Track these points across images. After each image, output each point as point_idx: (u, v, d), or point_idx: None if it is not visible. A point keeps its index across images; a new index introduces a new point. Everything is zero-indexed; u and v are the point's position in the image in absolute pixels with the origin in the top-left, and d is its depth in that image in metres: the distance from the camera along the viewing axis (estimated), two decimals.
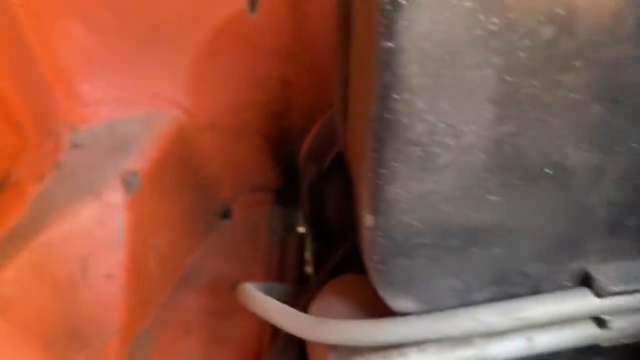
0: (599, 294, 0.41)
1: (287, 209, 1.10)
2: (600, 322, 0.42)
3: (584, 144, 0.36)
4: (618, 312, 0.41)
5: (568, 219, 0.40)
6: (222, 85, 0.90)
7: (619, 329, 0.42)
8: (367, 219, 0.40)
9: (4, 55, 0.74)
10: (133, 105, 0.90)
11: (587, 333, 0.42)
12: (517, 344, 0.42)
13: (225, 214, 1.06)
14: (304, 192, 0.98)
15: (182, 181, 0.94)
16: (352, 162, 0.49)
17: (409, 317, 0.44)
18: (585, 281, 0.42)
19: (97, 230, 0.82)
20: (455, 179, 0.38)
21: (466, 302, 0.44)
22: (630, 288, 0.40)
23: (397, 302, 0.44)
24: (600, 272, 0.41)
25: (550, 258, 0.42)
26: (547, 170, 0.37)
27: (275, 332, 0.82)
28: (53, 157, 0.87)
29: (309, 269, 0.99)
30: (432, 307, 0.44)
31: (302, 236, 1.04)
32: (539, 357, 0.47)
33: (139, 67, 0.86)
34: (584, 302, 0.41)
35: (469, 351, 0.42)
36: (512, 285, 0.43)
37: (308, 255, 1.02)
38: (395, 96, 0.34)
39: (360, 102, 0.42)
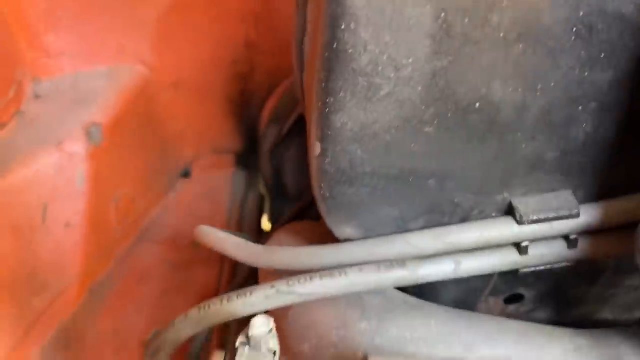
0: (519, 222, 0.46)
1: (248, 172, 1.13)
2: (520, 248, 0.47)
3: (509, 81, 0.41)
4: (536, 239, 0.46)
5: (495, 152, 0.44)
6: (187, 43, 0.92)
7: (536, 255, 0.47)
8: (316, 147, 0.44)
9: None
10: (97, 59, 0.91)
11: (509, 259, 0.47)
12: (446, 267, 0.47)
13: (186, 174, 1.08)
14: (263, 155, 1.02)
15: (144, 137, 0.96)
16: (307, 104, 0.52)
17: (350, 243, 0.48)
18: (509, 211, 0.47)
19: (58, 178, 0.84)
20: (395, 110, 0.42)
21: (402, 230, 0.48)
22: (546, 216, 0.45)
23: (341, 230, 0.48)
24: (522, 203, 0.46)
25: (478, 190, 0.46)
26: (476, 104, 0.41)
27: (233, 278, 0.86)
28: (15, 106, 0.87)
29: (266, 227, 1.03)
30: (372, 235, 0.48)
31: (261, 197, 1.07)
32: (468, 286, 0.52)
33: (105, 20, 0.87)
34: (506, 229, 0.46)
35: (402, 272, 0.46)
36: (444, 215, 0.47)
37: (266, 216, 1.06)
38: (342, 26, 0.38)
39: (315, 42, 0.45)
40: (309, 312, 0.50)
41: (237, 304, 0.45)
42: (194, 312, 0.47)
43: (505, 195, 0.46)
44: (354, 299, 0.49)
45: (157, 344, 0.49)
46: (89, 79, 0.93)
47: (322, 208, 0.47)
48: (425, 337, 0.45)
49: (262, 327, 0.40)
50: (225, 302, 0.46)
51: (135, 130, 0.94)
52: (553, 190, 0.47)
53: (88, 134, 0.86)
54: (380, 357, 0.40)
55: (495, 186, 0.46)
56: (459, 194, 0.46)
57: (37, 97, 0.91)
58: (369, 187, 0.46)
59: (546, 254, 0.47)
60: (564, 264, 0.48)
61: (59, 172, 0.84)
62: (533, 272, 0.49)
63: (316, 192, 0.47)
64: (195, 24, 0.92)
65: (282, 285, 0.46)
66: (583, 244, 0.47)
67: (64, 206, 0.84)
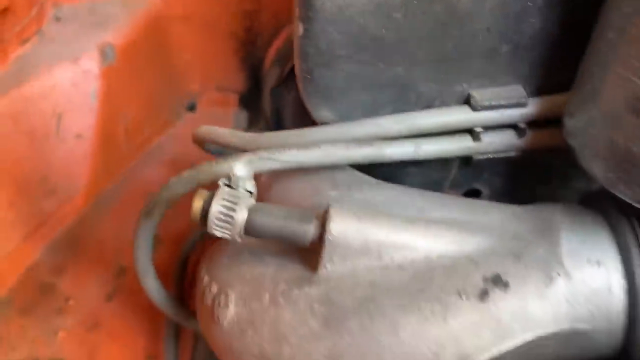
0: (473, 109, 0.52)
1: (251, 113, 1.19)
2: (474, 135, 0.53)
3: None
4: (488, 125, 0.53)
5: (454, 42, 0.50)
6: None
7: (489, 142, 0.54)
8: (299, 28, 0.50)
9: None
10: None
11: (463, 144, 0.53)
12: (407, 149, 0.53)
13: (192, 107, 1.15)
14: (265, 95, 1.08)
15: (154, 63, 1.02)
16: None
17: (326, 125, 0.55)
18: (467, 101, 0.53)
19: (73, 91, 0.91)
20: None
21: (373, 116, 0.55)
22: (498, 103, 0.52)
23: (319, 113, 0.55)
24: (478, 93, 0.52)
25: (440, 80, 0.52)
26: None
27: None
28: (36, 25, 0.94)
29: None
30: (346, 119, 0.55)
31: None
32: (430, 178, 0.59)
33: None
34: (462, 115, 0.52)
35: (369, 149, 0.53)
36: (409, 104, 0.54)
37: None
38: None
39: None
40: (288, 184, 0.57)
41: (224, 166, 0.52)
42: (186, 172, 0.54)
43: (465, 86, 0.53)
44: (326, 175, 0.56)
45: (152, 202, 0.56)
46: (106, 6, 1.00)
47: (303, 90, 0.54)
48: (384, 201, 0.51)
49: (242, 170, 0.47)
50: (214, 164, 0.52)
51: (146, 55, 1.01)
52: (507, 84, 0.53)
53: (102, 53, 0.93)
54: (338, 205, 0.46)
55: (455, 77, 0.52)
56: (422, 83, 0.53)
57: (57, 19, 0.98)
58: (344, 72, 0.52)
59: (497, 141, 0.53)
60: (514, 153, 0.55)
61: (74, 85, 0.91)
62: (488, 165, 0.56)
63: (297, 74, 0.53)
64: None
65: (264, 153, 0.53)
66: (530, 134, 0.53)
67: (76, 118, 0.91)
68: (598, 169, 0.45)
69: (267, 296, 0.47)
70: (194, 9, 1.02)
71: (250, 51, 1.13)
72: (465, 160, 0.56)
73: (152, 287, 0.61)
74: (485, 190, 0.61)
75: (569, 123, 0.49)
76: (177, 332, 0.78)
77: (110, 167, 0.98)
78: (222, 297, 0.49)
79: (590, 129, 0.46)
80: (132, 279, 0.78)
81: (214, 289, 0.50)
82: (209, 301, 0.50)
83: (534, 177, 0.59)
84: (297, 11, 0.50)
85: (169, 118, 1.10)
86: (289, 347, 0.45)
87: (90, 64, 0.92)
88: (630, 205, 0.44)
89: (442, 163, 0.57)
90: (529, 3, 0.48)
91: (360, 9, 0.49)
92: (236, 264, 0.51)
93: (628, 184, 0.43)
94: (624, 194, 0.44)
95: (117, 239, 0.91)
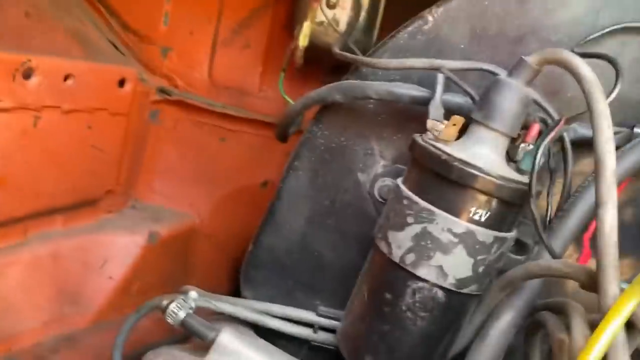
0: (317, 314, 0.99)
1: None
2: (314, 329, 0.99)
3: None
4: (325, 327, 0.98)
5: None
6: None
7: (323, 337, 0.98)
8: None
9: None
10: None
11: (306, 333, 0.98)
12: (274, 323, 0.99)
13: None
14: None
15: (178, 258, 1.55)
16: None
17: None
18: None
19: (121, 251, 1.43)
20: None
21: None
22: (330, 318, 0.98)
23: (244, 292, 1.03)
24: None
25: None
26: None
27: None
28: (120, 207, 1.52)
29: None
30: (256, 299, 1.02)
31: None
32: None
33: None
34: (307, 316, 0.99)
35: (255, 316, 0.99)
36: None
37: None
38: None
39: None
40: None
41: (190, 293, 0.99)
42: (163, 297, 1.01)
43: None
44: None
45: (143, 305, 1.02)
46: (165, 211, 1.58)
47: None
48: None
49: (195, 296, 0.94)
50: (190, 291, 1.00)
51: (175, 250, 1.54)
52: None
53: (150, 236, 1.47)
54: (232, 329, 0.90)
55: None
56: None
57: (133, 207, 1.56)
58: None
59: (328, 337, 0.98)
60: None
61: (125, 248, 1.44)
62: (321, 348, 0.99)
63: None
64: None
65: (206, 298, 0.99)
66: None
67: (114, 267, 1.42)
68: None
69: None
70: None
71: None
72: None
73: None
74: None
75: None
76: None
77: None
78: (152, 357, 0.91)
79: None
80: None
81: (151, 356, 0.93)
82: None
83: None
84: None
85: None
86: None
87: (140, 239, 1.45)
88: None
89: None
90: None
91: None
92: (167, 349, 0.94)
93: None
94: None
95: None
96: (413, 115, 0.86)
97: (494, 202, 0.69)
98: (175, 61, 1.52)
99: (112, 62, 1.38)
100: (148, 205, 1.58)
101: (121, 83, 1.35)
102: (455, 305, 0.73)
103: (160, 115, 1.54)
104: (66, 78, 1.20)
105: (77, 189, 1.32)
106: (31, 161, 1.18)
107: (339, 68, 1.15)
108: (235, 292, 1.06)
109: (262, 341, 0.98)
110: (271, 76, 1.53)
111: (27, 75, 1.12)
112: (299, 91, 0.94)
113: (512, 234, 0.73)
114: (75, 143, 1.27)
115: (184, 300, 0.94)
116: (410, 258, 0.72)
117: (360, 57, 0.84)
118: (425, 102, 0.78)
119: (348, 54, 0.89)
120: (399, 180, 0.77)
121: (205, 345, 0.90)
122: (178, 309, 0.92)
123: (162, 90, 1.51)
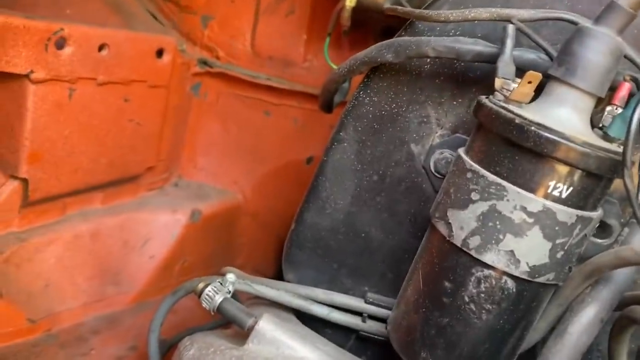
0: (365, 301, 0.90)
1: None
2: (363, 318, 0.90)
3: None
4: (374, 315, 0.89)
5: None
6: None
7: (371, 326, 0.90)
8: None
9: None
10: None
11: (354, 322, 0.90)
12: (322, 310, 0.90)
13: None
14: None
15: (220, 233, 1.49)
16: None
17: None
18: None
19: (162, 230, 1.38)
20: None
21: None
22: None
23: (286, 275, 0.95)
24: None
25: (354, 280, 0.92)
26: None
27: None
28: (162, 183, 1.47)
29: None
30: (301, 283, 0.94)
31: None
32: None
33: None
34: (356, 303, 0.90)
35: (300, 302, 0.91)
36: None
37: None
38: None
39: None
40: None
41: (229, 275, 0.92)
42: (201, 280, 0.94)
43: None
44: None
45: (180, 287, 0.96)
46: (208, 187, 1.52)
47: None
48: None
49: (232, 279, 0.87)
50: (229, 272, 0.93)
51: (218, 225, 1.48)
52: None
53: (192, 214, 1.41)
54: (271, 314, 0.83)
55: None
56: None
57: (175, 185, 1.51)
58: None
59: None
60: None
61: (165, 227, 1.38)
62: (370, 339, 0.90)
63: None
64: None
65: (246, 280, 0.92)
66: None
67: (156, 245, 1.37)
68: None
69: (212, 349, 0.82)
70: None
71: None
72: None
73: None
74: None
75: None
76: None
77: None
78: (188, 343, 0.85)
79: None
80: None
81: (187, 342, 0.86)
82: (180, 347, 0.86)
83: None
84: None
85: None
86: None
87: (182, 218, 1.40)
88: None
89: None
90: None
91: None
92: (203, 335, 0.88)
93: None
94: None
95: None
96: (477, 76, 0.74)
97: (578, 175, 0.58)
98: (216, 31, 1.44)
99: (149, 32, 1.31)
100: (190, 182, 1.52)
101: (159, 53, 1.28)
102: (528, 296, 0.62)
103: (202, 88, 1.47)
104: (101, 48, 1.13)
105: (116, 165, 1.27)
106: (67, 135, 1.13)
107: (390, 31, 1.04)
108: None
109: (305, 329, 0.89)
110: (316, 44, 1.43)
111: (60, 45, 1.06)
112: (345, 59, 0.83)
113: (598, 213, 0.62)
114: (112, 117, 1.21)
115: (221, 284, 0.87)
116: (474, 241, 0.61)
117: (416, 10, 0.72)
118: (492, 59, 0.67)
119: (400, 7, 0.78)
120: (461, 151, 0.66)
121: (245, 333, 0.82)
122: (214, 293, 0.85)
123: (203, 62, 1.43)
